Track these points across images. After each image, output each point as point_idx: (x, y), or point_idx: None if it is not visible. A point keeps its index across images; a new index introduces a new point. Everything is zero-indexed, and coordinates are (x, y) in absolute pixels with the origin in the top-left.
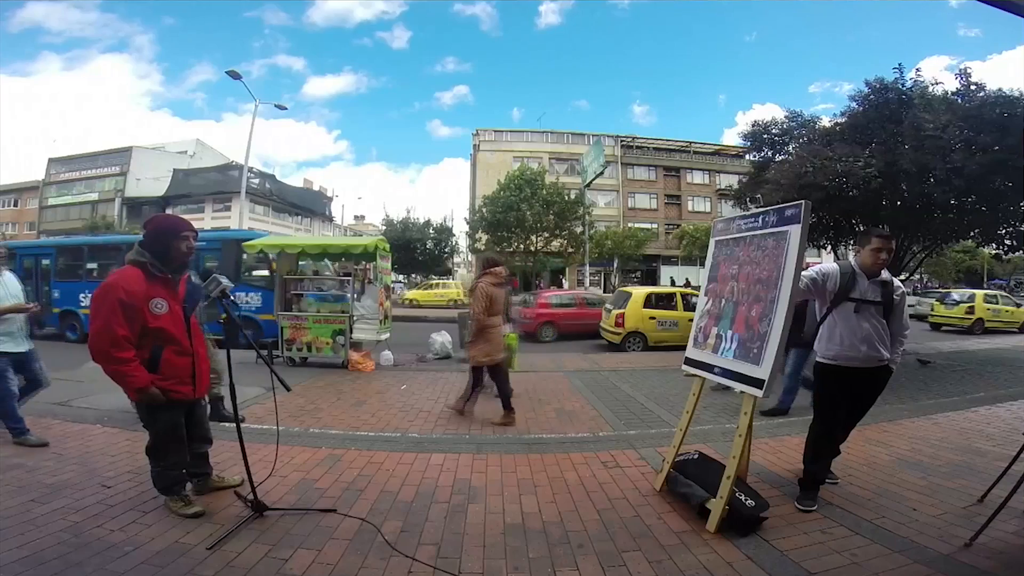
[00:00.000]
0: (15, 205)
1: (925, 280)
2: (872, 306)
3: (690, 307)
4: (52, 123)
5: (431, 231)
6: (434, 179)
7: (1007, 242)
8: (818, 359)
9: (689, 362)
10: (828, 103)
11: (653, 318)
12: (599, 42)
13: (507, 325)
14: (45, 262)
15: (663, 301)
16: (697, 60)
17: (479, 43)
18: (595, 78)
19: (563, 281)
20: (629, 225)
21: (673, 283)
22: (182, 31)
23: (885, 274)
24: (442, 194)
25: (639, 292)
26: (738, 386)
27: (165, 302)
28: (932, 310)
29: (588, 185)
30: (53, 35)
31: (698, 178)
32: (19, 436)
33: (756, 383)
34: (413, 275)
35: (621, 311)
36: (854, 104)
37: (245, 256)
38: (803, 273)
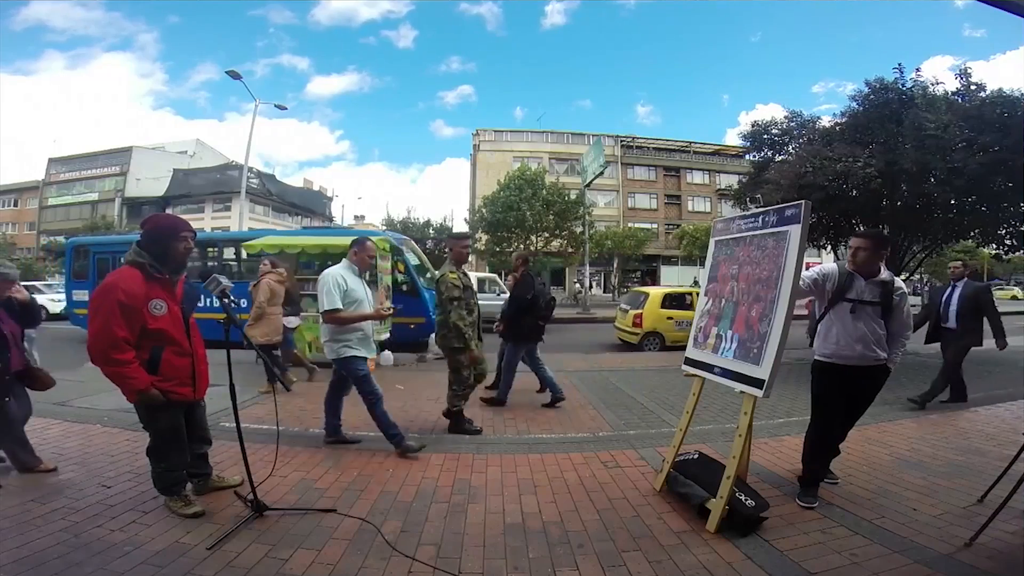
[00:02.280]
0: (15, 205)
1: (926, 280)
2: (869, 307)
3: None
4: (54, 122)
5: (431, 231)
6: (435, 179)
7: (1007, 242)
8: (815, 357)
9: (689, 362)
10: (831, 103)
11: (671, 318)
12: (604, 42)
13: (295, 318)
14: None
15: (677, 301)
16: (702, 60)
17: (484, 43)
18: (599, 78)
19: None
20: (629, 225)
21: (696, 283)
22: (186, 30)
23: (885, 274)
24: (443, 194)
25: (656, 292)
26: (738, 386)
27: (164, 303)
28: None
29: (588, 185)
30: (57, 33)
31: (698, 178)
32: (400, 444)
33: (756, 383)
34: None
35: (638, 311)
36: (854, 104)
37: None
38: (804, 273)
